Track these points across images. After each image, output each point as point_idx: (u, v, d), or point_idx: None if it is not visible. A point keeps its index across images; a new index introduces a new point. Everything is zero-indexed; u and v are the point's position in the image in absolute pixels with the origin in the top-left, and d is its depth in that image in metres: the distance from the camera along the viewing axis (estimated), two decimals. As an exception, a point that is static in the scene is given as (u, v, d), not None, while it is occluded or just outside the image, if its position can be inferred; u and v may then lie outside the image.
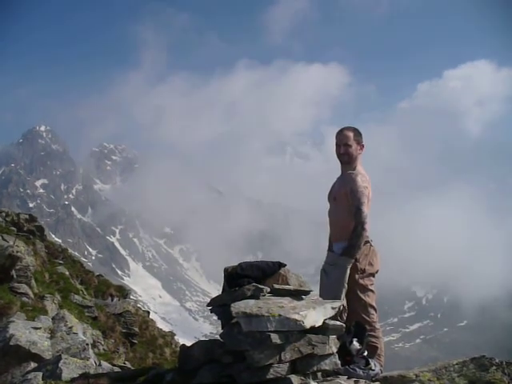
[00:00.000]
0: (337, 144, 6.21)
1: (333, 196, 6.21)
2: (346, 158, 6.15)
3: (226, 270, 5.43)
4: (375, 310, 5.98)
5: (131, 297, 21.82)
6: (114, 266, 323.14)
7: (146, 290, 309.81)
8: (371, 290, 5.97)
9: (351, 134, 6.15)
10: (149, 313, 21.06)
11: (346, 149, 6.12)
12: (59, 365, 6.06)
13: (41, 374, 5.95)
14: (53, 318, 8.75)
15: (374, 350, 5.81)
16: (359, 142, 6.18)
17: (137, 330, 15.61)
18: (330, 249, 6.21)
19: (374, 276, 6.03)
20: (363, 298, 5.89)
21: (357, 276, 5.88)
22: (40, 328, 7.48)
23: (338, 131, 6.28)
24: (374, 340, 5.85)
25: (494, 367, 5.17)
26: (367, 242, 5.99)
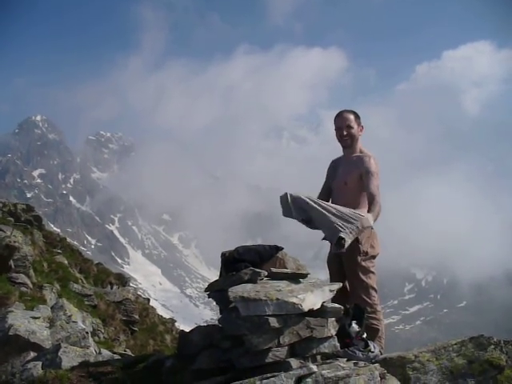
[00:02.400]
0: (338, 127, 6.10)
1: (343, 181, 6.08)
2: (349, 140, 6.05)
3: (223, 255, 5.40)
4: (376, 291, 5.97)
5: (131, 284, 21.87)
6: (113, 254, 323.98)
7: (146, 278, 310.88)
8: (372, 272, 5.95)
9: (352, 116, 6.06)
10: (149, 300, 21.15)
11: (349, 130, 6.02)
12: (59, 354, 6.05)
13: (40, 363, 5.94)
14: (52, 307, 8.72)
15: (375, 332, 5.80)
16: (359, 124, 6.10)
17: (137, 317, 15.66)
18: None
19: (374, 258, 6.02)
20: (365, 279, 5.87)
21: (359, 258, 5.85)
22: (39, 317, 7.46)
23: (337, 114, 6.16)
24: (375, 322, 5.83)
25: (493, 346, 5.18)
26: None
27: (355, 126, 6.05)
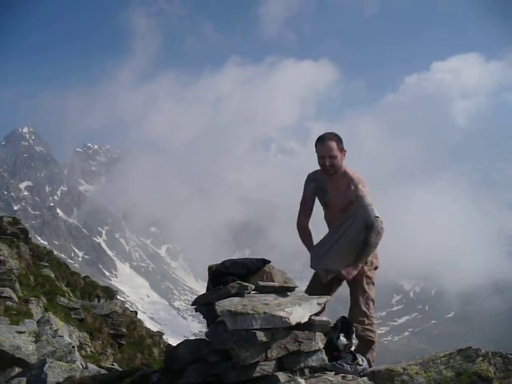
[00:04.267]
0: (321, 156, 5.89)
1: (339, 207, 5.95)
2: (333, 170, 5.87)
3: (210, 269, 5.38)
4: (374, 303, 5.95)
5: (119, 297, 21.73)
6: (101, 266, 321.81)
7: (134, 290, 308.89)
8: (374, 284, 5.95)
9: (334, 144, 5.83)
10: (136, 313, 21.01)
11: (332, 161, 5.82)
12: (44, 369, 5.98)
13: (25, 379, 5.88)
14: (38, 322, 8.65)
15: (370, 344, 5.80)
16: (342, 149, 5.89)
17: (124, 330, 15.54)
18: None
19: (376, 270, 6.00)
20: (367, 290, 5.86)
21: (366, 267, 5.84)
22: (24, 332, 7.39)
23: (318, 141, 5.93)
24: (371, 334, 5.82)
25: (481, 358, 5.17)
26: None
27: (338, 154, 5.84)
